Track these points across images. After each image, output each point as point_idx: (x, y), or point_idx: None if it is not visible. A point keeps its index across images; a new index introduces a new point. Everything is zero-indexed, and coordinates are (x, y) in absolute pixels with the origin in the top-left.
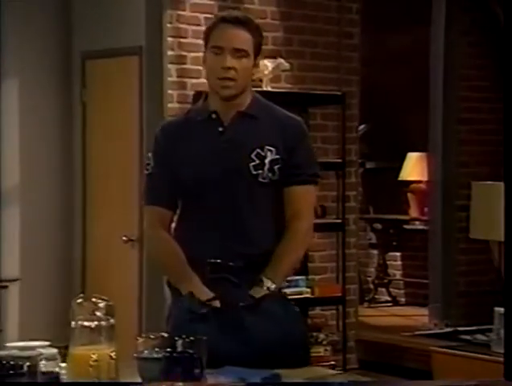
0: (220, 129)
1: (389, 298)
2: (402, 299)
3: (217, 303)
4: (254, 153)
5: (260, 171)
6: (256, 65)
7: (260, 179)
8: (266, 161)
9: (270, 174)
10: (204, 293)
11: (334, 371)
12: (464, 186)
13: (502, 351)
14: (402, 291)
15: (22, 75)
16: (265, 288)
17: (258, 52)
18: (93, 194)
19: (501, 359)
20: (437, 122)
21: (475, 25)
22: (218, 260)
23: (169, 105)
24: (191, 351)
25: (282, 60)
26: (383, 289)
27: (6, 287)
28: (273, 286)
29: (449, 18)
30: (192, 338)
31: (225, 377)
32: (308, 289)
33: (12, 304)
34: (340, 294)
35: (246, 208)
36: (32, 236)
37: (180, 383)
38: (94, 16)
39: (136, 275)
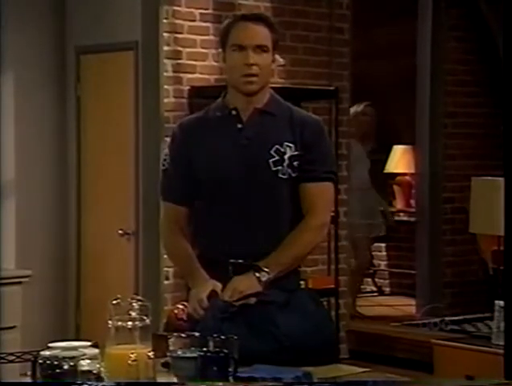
0: (240, 125)
1: (374, 288)
2: (387, 289)
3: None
4: (274, 149)
5: (280, 167)
6: (273, 60)
7: (280, 175)
8: (286, 157)
9: (289, 170)
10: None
11: (361, 369)
12: (451, 178)
13: (503, 343)
14: (387, 281)
15: (17, 70)
16: (256, 275)
17: (275, 48)
18: (88, 188)
19: (502, 351)
20: (424, 116)
21: (461, 20)
22: (240, 261)
23: (165, 100)
24: (225, 351)
25: (277, 56)
26: (369, 279)
27: (20, 283)
28: (264, 277)
29: (436, 13)
30: (223, 337)
31: (259, 376)
32: (302, 282)
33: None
34: (333, 286)
35: (266, 204)
36: (27, 230)
37: (220, 384)
38: (89, 10)
39: (132, 269)
